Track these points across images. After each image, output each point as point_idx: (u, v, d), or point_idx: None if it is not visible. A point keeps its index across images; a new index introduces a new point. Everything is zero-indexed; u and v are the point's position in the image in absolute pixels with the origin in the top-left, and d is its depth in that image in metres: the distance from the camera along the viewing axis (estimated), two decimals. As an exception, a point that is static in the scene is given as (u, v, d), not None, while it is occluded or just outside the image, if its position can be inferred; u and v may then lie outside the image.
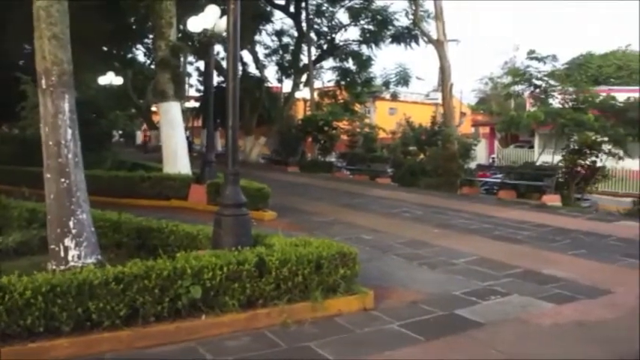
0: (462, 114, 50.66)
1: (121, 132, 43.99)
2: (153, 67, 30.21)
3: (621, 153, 17.96)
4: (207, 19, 13.71)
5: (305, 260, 6.07)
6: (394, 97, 43.30)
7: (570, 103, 18.74)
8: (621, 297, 7.10)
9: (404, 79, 38.25)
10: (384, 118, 43.20)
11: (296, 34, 36.76)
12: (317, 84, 38.77)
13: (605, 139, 17.64)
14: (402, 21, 33.31)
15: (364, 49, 36.26)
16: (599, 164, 18.15)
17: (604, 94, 20.24)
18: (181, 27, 18.41)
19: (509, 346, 5.45)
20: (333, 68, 38.37)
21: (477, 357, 5.18)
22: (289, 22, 37.02)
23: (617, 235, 11.51)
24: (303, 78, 36.43)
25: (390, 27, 34.16)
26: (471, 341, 5.55)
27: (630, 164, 22.17)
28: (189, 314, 5.55)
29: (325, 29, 36.83)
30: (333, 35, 36.75)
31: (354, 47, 36.69)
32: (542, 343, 5.55)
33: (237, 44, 7.10)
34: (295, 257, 6.03)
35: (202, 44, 16.31)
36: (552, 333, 5.84)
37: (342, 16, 35.68)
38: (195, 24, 13.99)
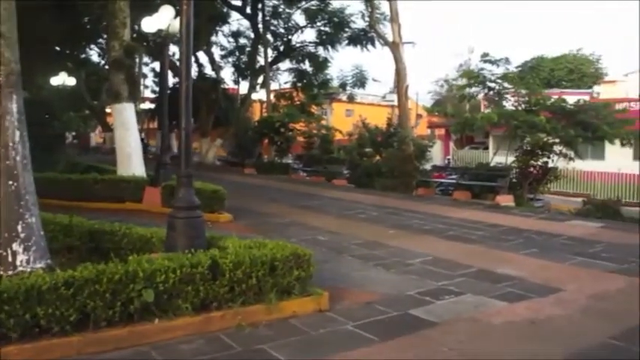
0: (418, 116, 51.14)
1: (74, 133, 43.30)
2: (107, 67, 29.82)
3: (572, 154, 18.36)
4: (162, 20, 13.59)
5: (259, 262, 6.04)
6: (351, 98, 43.53)
7: (523, 106, 19.08)
8: (571, 295, 7.23)
9: (360, 80, 38.51)
10: (340, 120, 43.35)
11: (252, 35, 36.74)
12: (273, 85, 38.89)
13: (557, 140, 18.02)
14: (359, 23, 33.59)
15: (321, 51, 36.45)
16: (550, 165, 18.54)
17: (556, 96, 20.65)
18: (136, 27, 18.20)
19: (461, 345, 5.49)
20: (290, 70, 38.50)
21: (429, 356, 5.21)
22: (246, 23, 37.05)
23: (567, 234, 11.77)
24: (260, 79, 36.39)
25: (347, 29, 34.38)
26: (425, 340, 5.59)
27: (581, 165, 22.69)
28: (141, 318, 5.45)
29: (282, 31, 36.91)
30: (290, 37, 36.83)
31: (311, 49, 36.85)
32: (495, 341, 5.62)
33: (190, 45, 7.03)
34: (249, 259, 5.99)
35: (157, 45, 16.16)
36: (504, 331, 5.92)
37: (299, 17, 35.83)
38: (150, 24, 13.86)
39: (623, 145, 18.37)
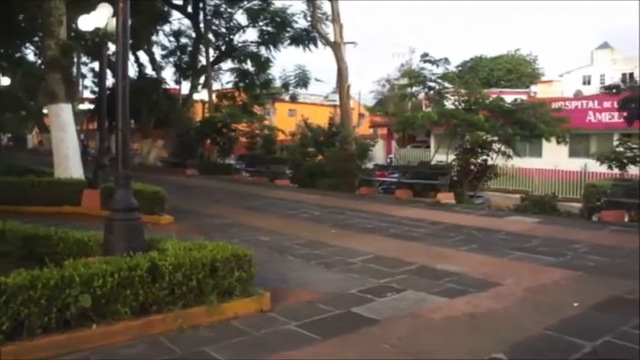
0: (361, 115, 51.45)
1: (10, 135, 42.08)
2: (43, 67, 29.06)
3: (510, 152, 18.76)
4: (99, 18, 13.28)
5: (199, 264, 5.97)
6: (293, 98, 43.54)
7: (463, 105, 19.39)
8: (509, 288, 7.41)
9: (303, 80, 38.49)
10: (283, 120, 43.32)
11: (194, 34, 36.40)
12: (215, 86, 38.54)
13: (496, 138, 18.38)
14: (301, 23, 33.56)
15: (263, 51, 36.33)
16: (490, 163, 18.91)
17: (494, 95, 21.06)
18: (73, 25, 17.78)
19: (402, 341, 5.55)
20: (232, 70, 38.22)
21: (371, 353, 5.24)
22: (187, 22, 36.70)
23: (506, 229, 12.05)
24: (202, 80, 36.13)
25: (289, 29, 34.34)
26: (366, 338, 5.62)
27: (520, 162, 23.22)
28: (79, 324, 5.30)
29: (223, 30, 36.68)
30: (232, 36, 36.61)
31: (253, 49, 36.69)
32: (435, 337, 5.69)
33: (127, 44, 6.93)
34: (189, 261, 5.92)
35: (95, 44, 15.81)
36: (444, 326, 6.00)
37: (241, 17, 35.60)
38: (87, 22, 13.53)
39: (558, 142, 18.83)
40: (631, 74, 43.09)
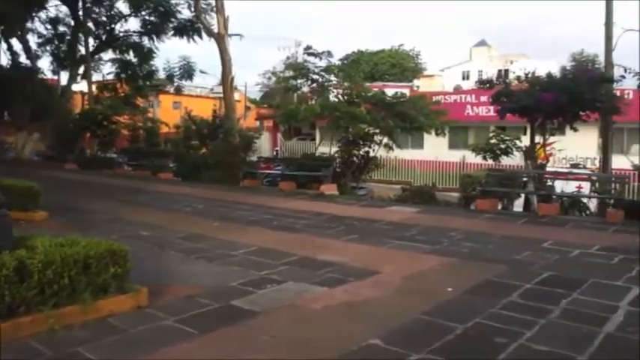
0: (247, 108, 51.18)
1: None
2: None
3: (392, 144, 19.23)
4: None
5: (71, 261, 5.72)
6: (178, 90, 42.64)
7: (346, 97, 19.67)
8: (387, 276, 7.61)
9: (188, 72, 37.68)
10: (168, 113, 42.47)
11: (72, 22, 34.91)
12: (96, 77, 37.14)
13: (377, 131, 18.78)
14: (185, 13, 32.96)
15: (146, 41, 35.39)
16: (372, 154, 19.32)
17: (376, 89, 21.48)
18: None
19: (282, 332, 5.58)
20: (113, 60, 36.92)
21: (250, 345, 5.23)
22: (65, 9, 35.07)
23: (387, 219, 12.36)
24: (81, 70, 34.75)
25: (173, 19, 33.65)
26: (246, 330, 5.61)
27: (403, 154, 23.90)
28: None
29: (104, 19, 35.42)
30: (113, 25, 35.45)
31: (136, 39, 35.66)
32: (315, 326, 5.75)
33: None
34: (60, 258, 5.66)
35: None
36: (324, 315, 6.09)
37: (122, 5, 34.48)
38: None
39: (437, 134, 19.47)
40: (506, 70, 45.23)
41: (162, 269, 7.87)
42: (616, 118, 17.47)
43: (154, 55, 35.88)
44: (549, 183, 14.84)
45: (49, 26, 36.32)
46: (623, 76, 17.12)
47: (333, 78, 20.86)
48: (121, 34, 35.71)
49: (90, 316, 5.77)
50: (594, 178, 15.78)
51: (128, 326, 5.65)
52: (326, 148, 20.25)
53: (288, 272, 7.74)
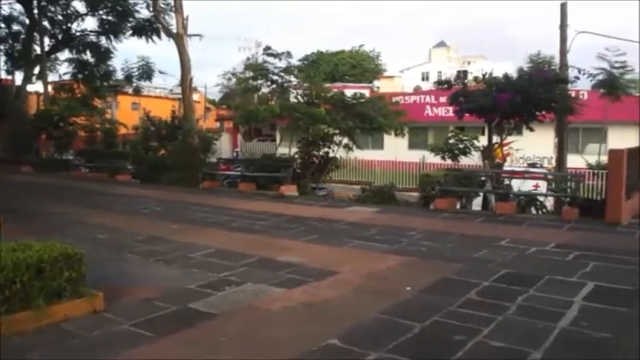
0: (207, 109, 50.89)
1: None
2: None
3: (352, 144, 19.26)
4: None
5: (23, 265, 5.58)
6: (137, 91, 42.10)
7: (305, 98, 19.65)
8: (346, 276, 7.63)
9: (147, 73, 37.13)
10: (127, 114, 41.98)
11: (27, 21, 34.18)
12: (52, 77, 36.48)
13: (337, 131, 18.79)
14: (144, 13, 32.53)
15: (103, 41, 34.84)
16: (332, 155, 19.32)
17: (336, 90, 21.49)
18: None
19: (240, 333, 5.55)
20: (70, 60, 36.27)
21: (208, 347, 5.19)
22: (19, 7, 34.28)
23: (346, 219, 12.40)
24: (37, 70, 34.05)
25: (131, 19, 33.18)
26: (204, 333, 5.56)
27: (363, 154, 23.98)
28: None
29: (60, 18, 34.71)
30: (69, 25, 34.78)
31: (93, 38, 35.06)
32: (273, 327, 5.73)
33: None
34: (12, 263, 5.51)
35: None
36: (282, 316, 6.07)
37: (79, 4, 33.88)
38: None
39: (396, 135, 19.55)
40: (465, 71, 45.74)
41: (119, 272, 7.77)
42: (571, 118, 17.83)
43: (112, 55, 35.38)
44: (507, 182, 15.03)
45: (2, 25, 35.46)
46: (578, 77, 17.48)
47: (292, 79, 20.81)
48: (78, 34, 35.10)
49: (43, 321, 5.66)
50: (550, 177, 16.07)
51: (83, 331, 5.56)
52: (286, 149, 20.19)
53: (247, 274, 7.71)
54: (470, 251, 9.12)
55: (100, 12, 33.65)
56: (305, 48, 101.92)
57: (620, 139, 24.51)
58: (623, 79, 19.11)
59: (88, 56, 35.61)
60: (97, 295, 6.19)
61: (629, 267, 8.09)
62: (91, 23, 35.46)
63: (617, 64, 18.67)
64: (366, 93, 26.41)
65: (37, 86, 33.48)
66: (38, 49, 33.48)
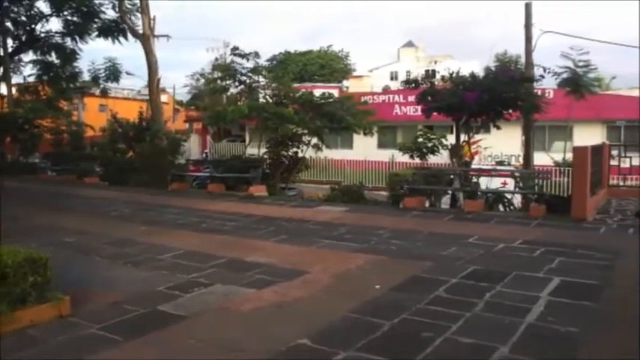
0: (176, 110, 50.56)
1: None
2: None
3: (320, 144, 19.30)
4: None
5: (-14, 271, 5.51)
6: (104, 93, 41.66)
7: (274, 98, 19.63)
8: (316, 276, 7.64)
9: (114, 74, 36.73)
10: (94, 115, 41.58)
11: (-11, 22, 33.63)
12: (16, 79, 35.88)
13: (306, 131, 18.80)
14: (110, 14, 32.14)
15: (69, 42, 34.36)
16: (301, 155, 19.33)
17: (305, 90, 21.51)
18: None
19: (210, 335, 5.52)
20: (34, 62, 35.74)
21: (177, 349, 5.16)
22: (-20, 8, 33.71)
23: (316, 219, 12.42)
24: (0, 72, 33.51)
25: (97, 19, 32.77)
26: (173, 335, 5.52)
27: (333, 154, 24.05)
28: None
29: (24, 19, 34.17)
30: (33, 26, 34.20)
31: (58, 39, 34.56)
32: (243, 328, 5.71)
33: None
34: (-26, 269, 5.45)
35: None
36: (252, 317, 6.04)
37: (43, 5, 33.38)
38: None
39: (365, 134, 19.63)
40: (433, 70, 46.12)
41: (86, 276, 7.66)
42: (537, 116, 18.06)
43: (78, 56, 34.84)
44: (475, 180, 15.17)
45: (-37, 26, 34.93)
46: (543, 76, 17.77)
47: (261, 79, 20.79)
48: (43, 35, 34.55)
49: (7, 327, 5.54)
50: (517, 174, 16.27)
51: (49, 336, 5.48)
52: (255, 150, 20.15)
53: (217, 275, 7.67)
54: (438, 249, 9.19)
55: (65, 13, 33.13)
56: (273, 48, 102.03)
57: (586, 136, 25.03)
58: (587, 78, 19.47)
59: (53, 58, 35.07)
60: (63, 300, 6.10)
61: (594, 262, 8.25)
62: (55, 24, 35.01)
63: (580, 63, 19.02)
64: (335, 93, 26.53)
65: (0, 88, 32.96)
66: (1, 51, 32.95)
